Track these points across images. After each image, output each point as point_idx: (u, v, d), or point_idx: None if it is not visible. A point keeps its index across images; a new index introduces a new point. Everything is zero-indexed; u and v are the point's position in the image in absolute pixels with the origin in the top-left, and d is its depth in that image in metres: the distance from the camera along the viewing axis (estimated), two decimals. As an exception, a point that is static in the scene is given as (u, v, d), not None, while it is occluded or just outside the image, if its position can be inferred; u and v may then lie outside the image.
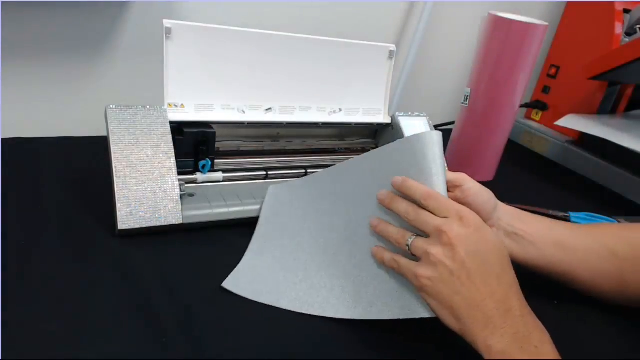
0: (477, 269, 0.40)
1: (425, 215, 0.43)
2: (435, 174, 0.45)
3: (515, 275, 0.42)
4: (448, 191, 0.47)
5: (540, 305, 0.52)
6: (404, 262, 0.43)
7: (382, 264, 0.46)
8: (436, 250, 0.41)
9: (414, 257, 0.43)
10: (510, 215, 0.51)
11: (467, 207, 0.47)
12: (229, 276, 0.50)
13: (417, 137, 0.47)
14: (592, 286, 0.51)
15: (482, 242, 0.41)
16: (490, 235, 0.42)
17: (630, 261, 0.49)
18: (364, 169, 0.52)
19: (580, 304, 0.53)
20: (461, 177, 0.49)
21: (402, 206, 0.44)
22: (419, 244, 0.42)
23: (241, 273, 0.51)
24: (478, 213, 0.46)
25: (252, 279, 0.50)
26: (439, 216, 0.42)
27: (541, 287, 0.55)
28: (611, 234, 0.52)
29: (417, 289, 0.42)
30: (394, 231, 0.45)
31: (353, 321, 0.46)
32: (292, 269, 0.51)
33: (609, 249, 0.50)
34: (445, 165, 0.47)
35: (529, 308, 0.41)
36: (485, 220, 0.49)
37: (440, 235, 0.41)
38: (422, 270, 0.41)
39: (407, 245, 0.43)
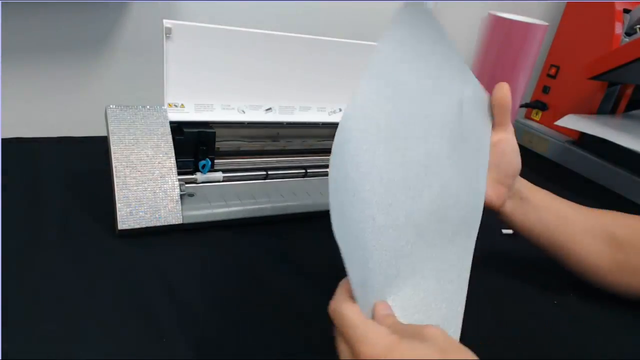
0: None
1: None
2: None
3: None
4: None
5: (540, 305, 0.53)
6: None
7: None
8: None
9: None
10: (525, 185, 0.53)
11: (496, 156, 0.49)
12: None
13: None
14: (587, 265, 0.51)
15: None
16: None
17: (629, 245, 0.50)
18: None
19: (580, 304, 0.53)
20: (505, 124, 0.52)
21: None
22: None
23: None
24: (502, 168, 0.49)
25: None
26: None
27: (541, 287, 0.55)
28: (611, 218, 0.53)
29: None
30: None
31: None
32: None
33: (608, 232, 0.51)
34: None
35: None
36: (502, 181, 0.50)
37: None
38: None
39: None
